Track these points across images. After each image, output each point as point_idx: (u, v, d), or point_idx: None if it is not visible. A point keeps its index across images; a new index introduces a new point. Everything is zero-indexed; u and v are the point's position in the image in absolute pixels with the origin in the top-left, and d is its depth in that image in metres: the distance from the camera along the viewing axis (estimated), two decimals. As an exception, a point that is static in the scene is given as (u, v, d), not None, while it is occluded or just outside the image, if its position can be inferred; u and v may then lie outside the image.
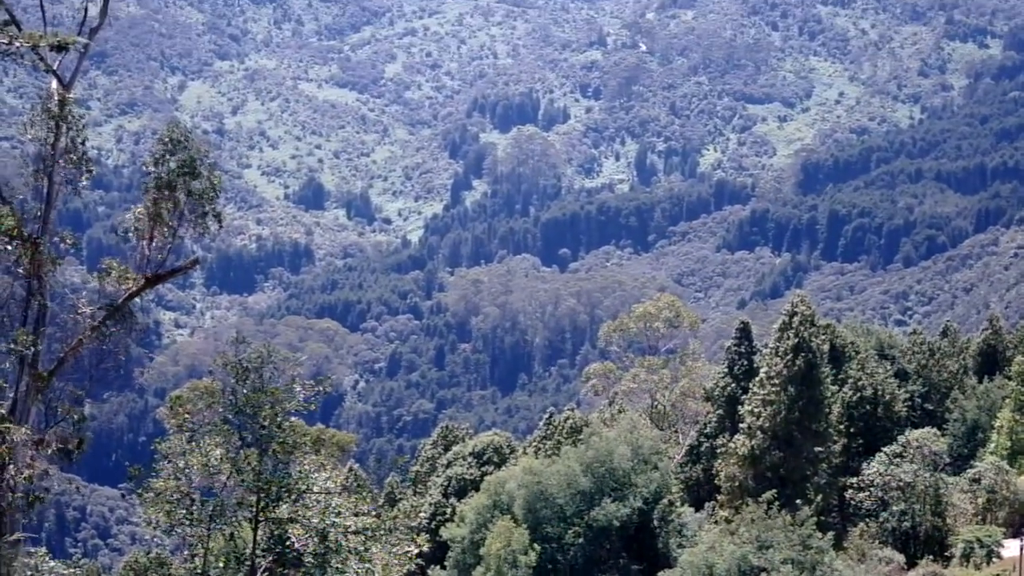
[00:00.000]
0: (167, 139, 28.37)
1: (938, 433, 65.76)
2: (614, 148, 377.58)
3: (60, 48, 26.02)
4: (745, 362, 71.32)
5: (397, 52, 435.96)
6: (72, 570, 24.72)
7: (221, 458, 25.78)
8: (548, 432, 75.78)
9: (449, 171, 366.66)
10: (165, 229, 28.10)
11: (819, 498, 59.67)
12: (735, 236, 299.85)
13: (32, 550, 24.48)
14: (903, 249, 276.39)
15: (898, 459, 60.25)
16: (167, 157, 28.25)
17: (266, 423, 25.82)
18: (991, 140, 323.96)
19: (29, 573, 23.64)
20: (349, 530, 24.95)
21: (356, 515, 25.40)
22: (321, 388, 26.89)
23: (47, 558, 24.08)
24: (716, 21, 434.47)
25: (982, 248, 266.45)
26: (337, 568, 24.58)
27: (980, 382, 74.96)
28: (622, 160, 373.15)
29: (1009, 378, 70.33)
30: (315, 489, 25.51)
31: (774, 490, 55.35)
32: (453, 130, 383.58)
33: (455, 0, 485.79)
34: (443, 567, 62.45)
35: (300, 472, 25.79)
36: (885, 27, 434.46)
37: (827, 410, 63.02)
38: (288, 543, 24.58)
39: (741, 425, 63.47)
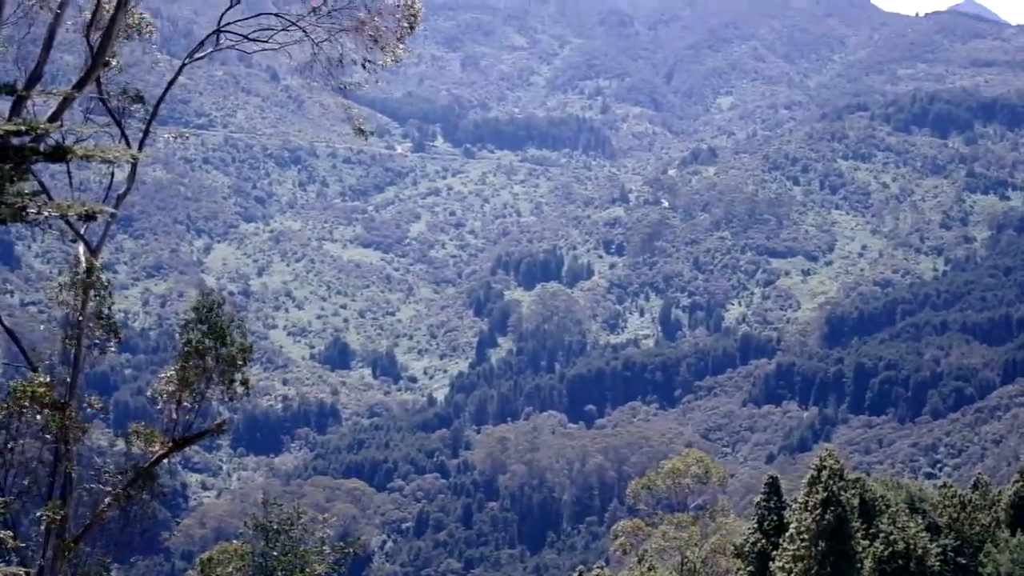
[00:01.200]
0: (198, 306, 28.58)
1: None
2: (638, 303, 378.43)
3: (89, 217, 26.27)
4: (775, 517, 70.63)
5: (421, 211, 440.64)
6: None
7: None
8: (577, 591, 75.07)
9: (474, 329, 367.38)
10: (193, 393, 28.22)
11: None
12: (761, 390, 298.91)
13: None
14: (931, 401, 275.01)
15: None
16: (197, 324, 28.44)
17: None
18: (1016, 291, 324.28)
19: None
20: None
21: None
22: (350, 550, 26.82)
23: None
24: (737, 176, 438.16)
25: (1010, 399, 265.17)
26: None
27: (1013, 535, 74.02)
28: (647, 315, 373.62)
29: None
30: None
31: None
32: (478, 288, 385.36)
33: (477, 159, 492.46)
34: None
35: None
36: (906, 180, 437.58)
37: (858, 565, 62.27)
38: None
39: (772, 582, 62.72)
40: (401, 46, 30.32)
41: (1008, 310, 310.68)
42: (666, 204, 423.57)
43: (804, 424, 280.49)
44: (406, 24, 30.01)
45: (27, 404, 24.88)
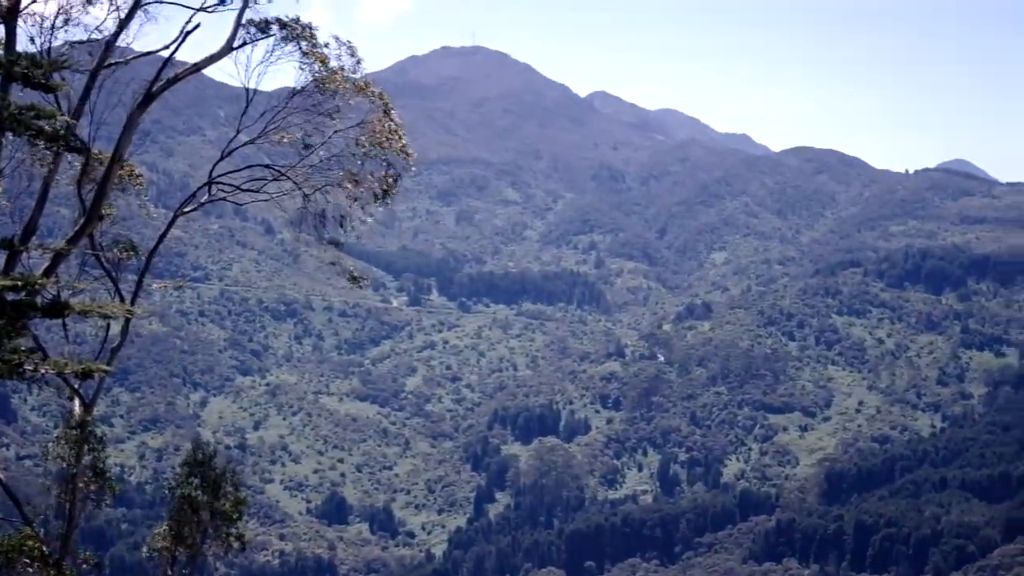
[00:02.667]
0: (191, 459, 28.02)
1: None
2: (636, 459, 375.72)
3: (85, 375, 25.77)
4: None
5: (417, 365, 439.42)
6: None
7: None
8: None
9: (472, 483, 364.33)
10: (187, 548, 27.43)
11: None
12: (762, 547, 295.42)
13: None
14: (932, 560, 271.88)
15: None
16: (191, 479, 27.87)
17: None
18: (1015, 448, 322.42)
19: None
20: None
21: None
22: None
23: None
24: (733, 332, 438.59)
25: (1012, 559, 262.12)
26: None
27: None
28: (645, 471, 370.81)
29: None
30: None
31: None
32: (475, 442, 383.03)
33: (473, 313, 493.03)
34: None
35: None
36: (901, 336, 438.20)
37: None
38: None
39: None
40: (379, 207, 30.47)
41: (1007, 467, 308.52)
42: (662, 359, 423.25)
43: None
44: (382, 189, 30.24)
45: (16, 558, 24.01)
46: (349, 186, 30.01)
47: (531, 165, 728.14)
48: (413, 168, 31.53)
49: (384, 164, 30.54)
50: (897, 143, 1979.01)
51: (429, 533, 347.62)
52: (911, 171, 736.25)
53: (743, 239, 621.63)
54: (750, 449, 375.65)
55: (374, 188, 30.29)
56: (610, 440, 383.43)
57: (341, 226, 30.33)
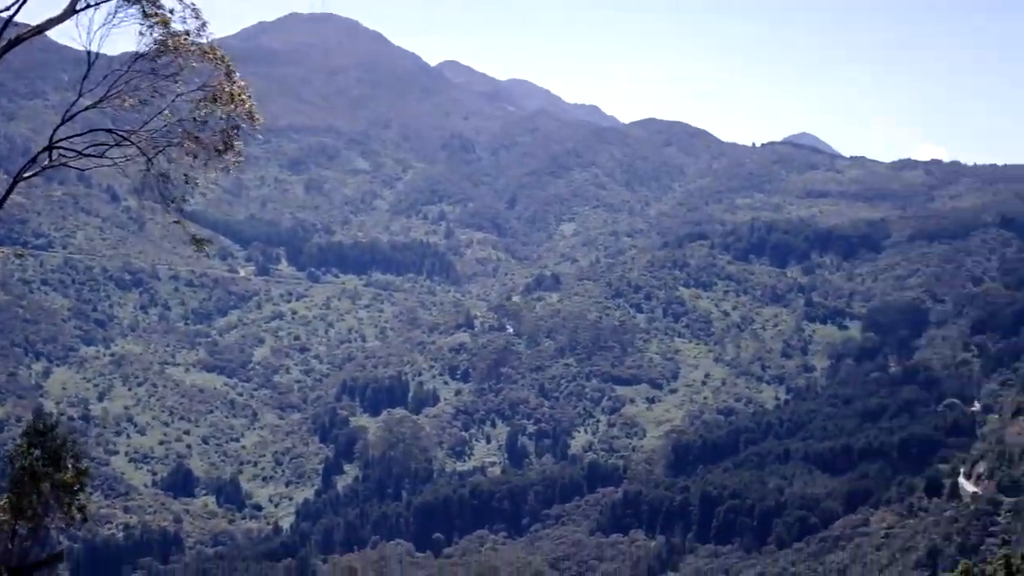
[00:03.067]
0: (31, 430, 27.53)
1: None
2: (485, 431, 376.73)
3: None
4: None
5: (265, 336, 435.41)
6: None
7: None
8: None
9: (320, 455, 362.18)
10: (29, 521, 26.99)
11: None
12: (608, 518, 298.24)
13: None
14: (775, 530, 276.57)
15: None
16: (31, 450, 27.37)
17: None
18: (856, 421, 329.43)
19: None
20: None
21: None
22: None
23: None
24: (581, 303, 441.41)
25: (853, 529, 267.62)
26: None
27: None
28: (493, 443, 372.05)
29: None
30: None
31: None
32: (323, 414, 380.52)
33: (322, 284, 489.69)
34: None
35: None
36: (747, 309, 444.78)
37: None
38: None
39: None
40: (221, 165, 30.30)
41: (849, 439, 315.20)
42: (511, 330, 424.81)
43: (652, 553, 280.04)
44: (223, 142, 30.06)
45: None
46: (190, 143, 29.72)
47: (381, 134, 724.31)
48: (259, 135, 31.39)
49: (225, 121, 30.29)
50: (745, 116, 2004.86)
51: (276, 505, 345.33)
52: (758, 144, 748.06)
53: (592, 211, 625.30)
54: (598, 421, 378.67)
55: (216, 143, 30.03)
56: (459, 412, 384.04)
57: (186, 182, 30.02)
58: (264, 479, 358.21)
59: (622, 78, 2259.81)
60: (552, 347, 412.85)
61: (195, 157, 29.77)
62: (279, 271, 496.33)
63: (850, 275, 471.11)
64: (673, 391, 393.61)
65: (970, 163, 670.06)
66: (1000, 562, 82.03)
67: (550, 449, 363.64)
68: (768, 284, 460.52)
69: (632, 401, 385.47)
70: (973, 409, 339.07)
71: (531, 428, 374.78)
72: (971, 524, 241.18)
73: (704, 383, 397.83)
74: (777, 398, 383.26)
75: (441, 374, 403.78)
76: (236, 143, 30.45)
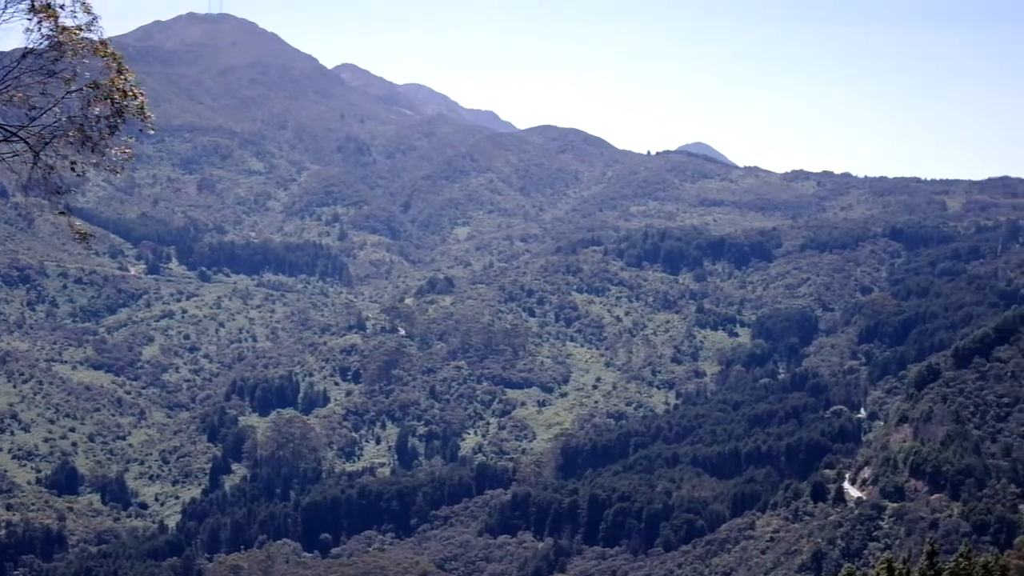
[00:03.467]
0: None
1: None
2: (375, 432, 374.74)
3: None
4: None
5: (154, 334, 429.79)
6: None
7: None
8: None
9: (208, 455, 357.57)
10: None
11: None
12: (497, 520, 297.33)
13: None
14: (663, 533, 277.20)
15: None
16: None
17: None
18: (744, 426, 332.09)
19: None
20: None
21: None
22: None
23: None
24: (474, 307, 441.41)
25: (739, 532, 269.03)
26: None
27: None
28: (383, 443, 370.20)
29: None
30: None
31: None
32: (212, 413, 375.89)
33: (213, 283, 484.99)
34: None
35: None
36: (639, 314, 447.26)
37: None
38: None
39: None
40: (110, 159, 29.51)
41: (737, 444, 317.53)
42: (403, 332, 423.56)
43: (539, 555, 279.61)
44: (108, 126, 29.29)
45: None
46: (76, 135, 28.84)
47: (276, 135, 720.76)
48: (152, 132, 30.46)
49: (110, 117, 29.47)
50: (640, 124, 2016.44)
51: (163, 504, 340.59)
52: (653, 153, 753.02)
53: (487, 215, 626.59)
54: (488, 423, 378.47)
55: (103, 136, 29.16)
56: (349, 412, 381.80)
57: (72, 169, 29.15)
58: (151, 478, 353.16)
59: (519, 84, 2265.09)
60: (444, 349, 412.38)
61: (80, 151, 29.02)
62: (170, 270, 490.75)
63: (742, 283, 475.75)
64: (564, 395, 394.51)
65: (861, 175, 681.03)
66: (883, 566, 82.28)
67: (440, 451, 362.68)
68: (660, 290, 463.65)
69: (523, 404, 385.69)
70: (859, 416, 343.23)
71: (421, 430, 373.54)
72: (855, 529, 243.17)
73: (595, 387, 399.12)
74: (667, 403, 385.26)
75: (332, 375, 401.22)
76: (123, 137, 29.71)
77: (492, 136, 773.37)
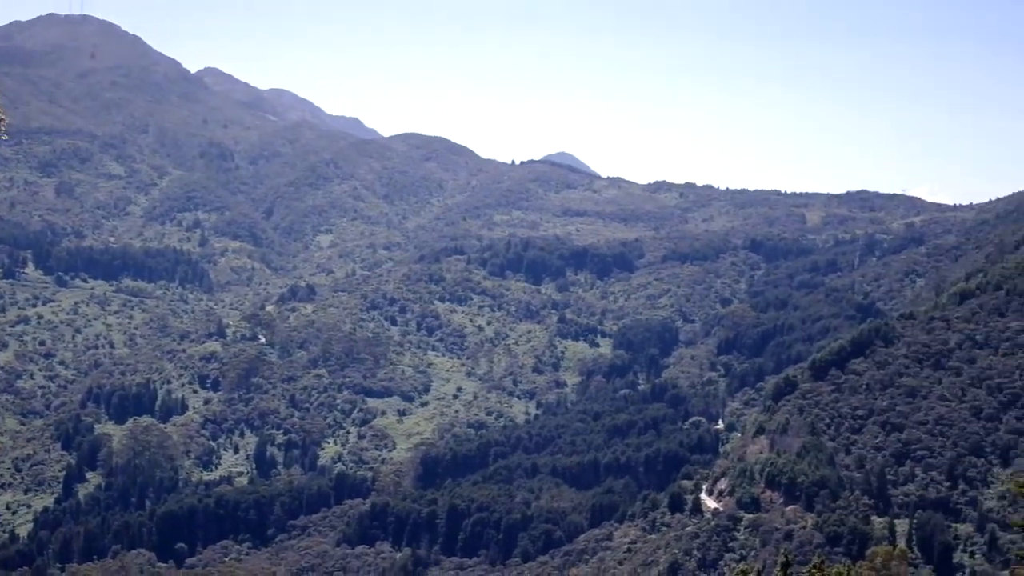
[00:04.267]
0: None
1: None
2: (233, 440, 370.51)
3: None
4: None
5: (9, 340, 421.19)
6: None
7: None
8: None
9: (62, 463, 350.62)
10: None
11: None
12: (355, 530, 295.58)
13: None
14: (521, 544, 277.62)
15: None
16: None
17: None
18: (603, 436, 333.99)
19: None
20: None
21: None
22: None
23: None
24: (335, 315, 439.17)
25: (597, 543, 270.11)
26: None
27: None
28: (241, 452, 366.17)
29: None
30: None
31: None
32: (67, 420, 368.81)
33: (70, 288, 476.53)
34: None
35: None
36: (501, 324, 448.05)
37: None
38: None
39: None
40: None
41: (596, 455, 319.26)
42: (263, 340, 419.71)
43: (397, 565, 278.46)
44: None
45: None
46: None
47: (137, 139, 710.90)
48: (6, 135, 29.48)
49: None
50: (505, 133, 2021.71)
51: (14, 513, 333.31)
52: (517, 162, 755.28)
53: (350, 223, 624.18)
54: (348, 432, 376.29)
55: None
56: (207, 421, 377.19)
57: None
58: (2, 486, 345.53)
59: (384, 91, 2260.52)
60: (305, 358, 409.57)
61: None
62: (26, 274, 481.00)
63: (603, 293, 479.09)
64: (424, 404, 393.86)
65: (723, 187, 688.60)
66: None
67: (299, 460, 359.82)
68: (523, 300, 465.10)
69: (383, 413, 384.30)
70: (717, 427, 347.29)
71: (280, 438, 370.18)
72: (711, 540, 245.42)
73: (456, 397, 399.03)
74: (527, 413, 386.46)
75: (190, 383, 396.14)
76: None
77: (356, 143, 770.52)
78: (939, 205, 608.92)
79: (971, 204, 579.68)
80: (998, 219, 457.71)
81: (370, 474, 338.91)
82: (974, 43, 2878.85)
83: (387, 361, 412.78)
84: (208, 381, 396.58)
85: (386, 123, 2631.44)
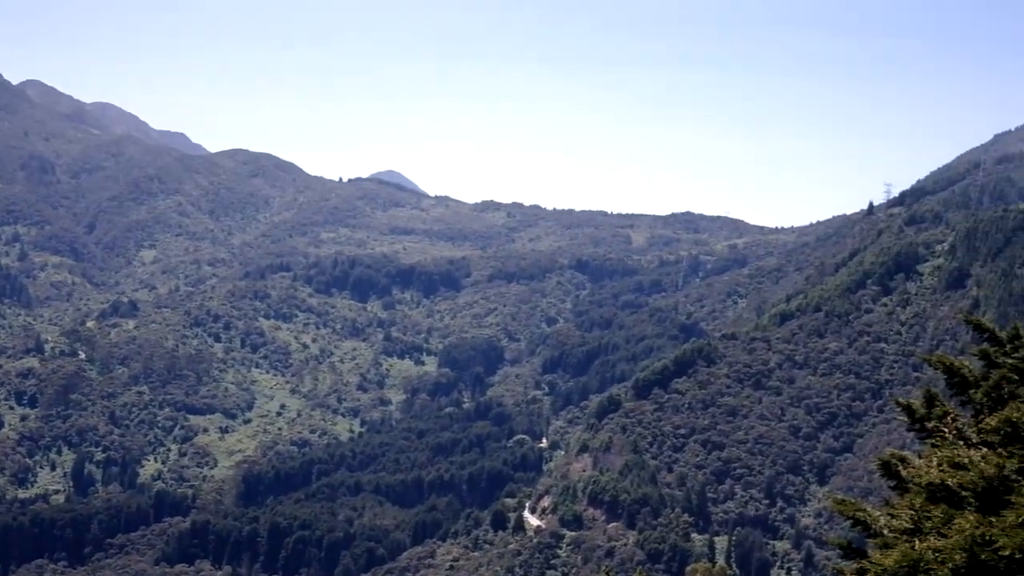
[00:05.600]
0: None
1: None
2: (50, 457, 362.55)
3: None
4: None
5: None
6: None
7: None
8: None
9: None
10: None
11: None
12: (175, 549, 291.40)
13: None
14: (343, 562, 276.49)
15: None
16: None
17: None
18: (427, 454, 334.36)
19: None
20: None
21: None
22: None
23: None
24: (158, 331, 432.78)
25: (419, 560, 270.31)
26: None
27: None
28: (59, 470, 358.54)
29: None
30: None
31: None
32: None
33: None
34: None
35: None
36: (326, 341, 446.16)
37: None
38: None
39: None
40: None
41: (420, 472, 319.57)
42: (83, 356, 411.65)
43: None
44: None
45: None
46: None
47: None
48: None
49: None
50: (333, 151, 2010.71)
51: None
52: (345, 179, 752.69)
53: (174, 238, 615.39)
54: (169, 450, 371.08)
55: None
56: (23, 438, 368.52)
57: None
58: None
59: (211, 107, 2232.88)
60: (126, 374, 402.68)
61: None
62: None
63: (430, 311, 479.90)
64: (248, 421, 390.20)
65: (550, 207, 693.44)
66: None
67: (118, 477, 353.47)
68: (348, 318, 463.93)
69: (205, 431, 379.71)
70: (541, 445, 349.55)
71: (99, 456, 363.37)
72: (533, 557, 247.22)
73: (279, 414, 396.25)
74: (352, 431, 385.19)
75: (7, 399, 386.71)
76: None
77: (182, 158, 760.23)
78: (761, 228, 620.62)
79: (792, 227, 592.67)
80: (818, 242, 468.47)
81: (191, 492, 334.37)
82: (792, 72, 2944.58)
83: (210, 378, 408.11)
84: (25, 397, 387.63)
85: (213, 139, 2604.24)
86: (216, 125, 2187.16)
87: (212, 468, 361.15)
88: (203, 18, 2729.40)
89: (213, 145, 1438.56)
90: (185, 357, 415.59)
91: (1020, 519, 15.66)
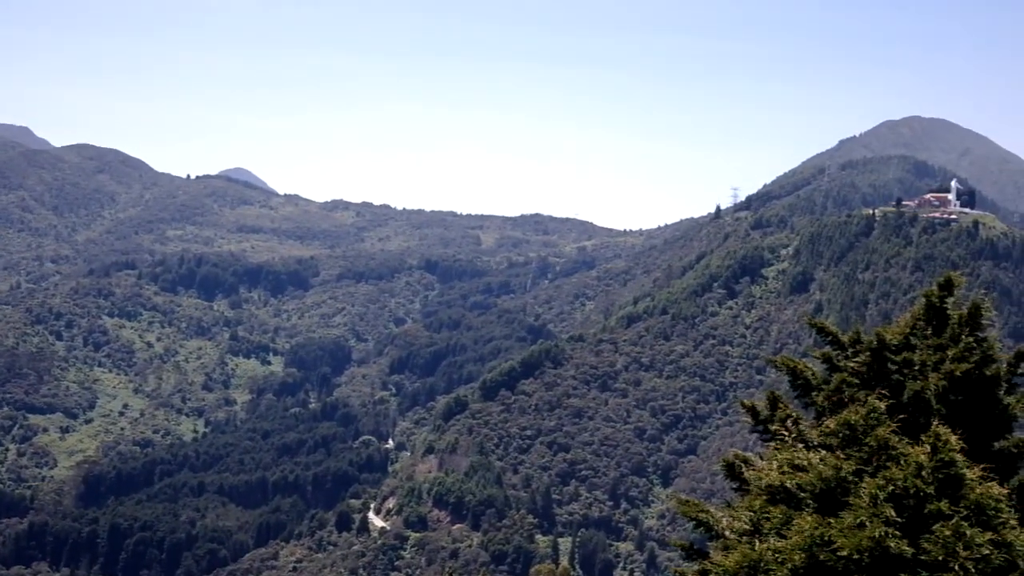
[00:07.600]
0: None
1: None
2: None
3: None
4: None
5: None
6: None
7: None
8: None
9: None
10: None
11: None
12: (11, 550, 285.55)
13: None
14: (185, 563, 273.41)
15: None
16: None
17: None
18: (272, 455, 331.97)
19: None
20: None
21: None
22: None
23: None
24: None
25: (262, 562, 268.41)
26: None
27: None
28: None
29: None
30: None
31: None
32: None
33: None
34: None
35: None
36: (171, 340, 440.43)
37: None
38: None
39: None
40: None
41: (264, 473, 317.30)
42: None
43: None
44: None
45: None
46: None
47: None
48: None
49: None
50: (180, 147, 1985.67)
51: None
52: (193, 176, 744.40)
53: (16, 234, 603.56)
54: (7, 449, 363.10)
55: None
56: None
57: None
58: None
59: (57, 100, 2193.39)
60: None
61: None
62: None
63: (277, 311, 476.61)
64: (89, 421, 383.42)
65: (400, 207, 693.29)
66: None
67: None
68: (194, 316, 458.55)
69: (45, 430, 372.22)
70: (387, 446, 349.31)
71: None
72: (377, 558, 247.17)
73: (122, 414, 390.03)
74: (196, 431, 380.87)
75: None
76: None
77: (25, 152, 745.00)
78: (610, 230, 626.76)
79: (640, 230, 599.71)
80: (665, 244, 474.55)
81: (29, 492, 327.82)
82: (641, 73, 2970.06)
83: (51, 377, 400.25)
84: None
85: (58, 133, 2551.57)
86: (61, 119, 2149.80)
87: (52, 468, 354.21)
88: (47, 7, 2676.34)
89: (58, 140, 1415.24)
90: (25, 355, 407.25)
91: (857, 520, 15.92)
